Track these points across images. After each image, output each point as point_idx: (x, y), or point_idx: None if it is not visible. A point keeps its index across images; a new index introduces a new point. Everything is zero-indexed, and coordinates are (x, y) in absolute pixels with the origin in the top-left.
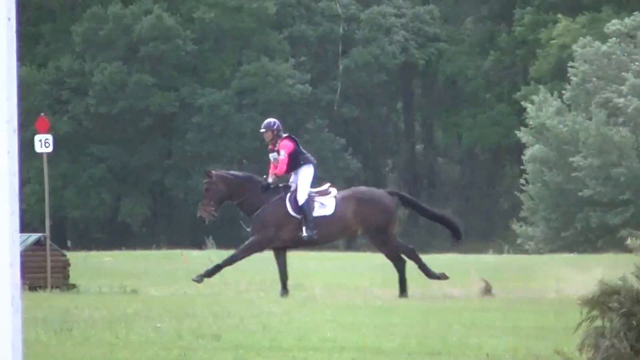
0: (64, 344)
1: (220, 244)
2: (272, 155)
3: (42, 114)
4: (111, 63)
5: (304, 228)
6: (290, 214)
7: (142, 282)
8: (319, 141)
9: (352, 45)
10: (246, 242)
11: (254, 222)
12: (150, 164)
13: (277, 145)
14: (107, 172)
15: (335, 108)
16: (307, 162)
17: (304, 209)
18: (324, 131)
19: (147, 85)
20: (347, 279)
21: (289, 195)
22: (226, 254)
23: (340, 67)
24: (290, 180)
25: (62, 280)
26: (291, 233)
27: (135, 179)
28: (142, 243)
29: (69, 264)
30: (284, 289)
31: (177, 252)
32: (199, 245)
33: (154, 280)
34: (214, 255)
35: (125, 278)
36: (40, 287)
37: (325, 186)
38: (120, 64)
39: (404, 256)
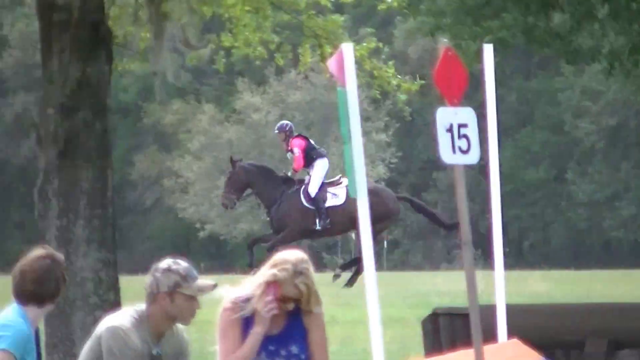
0: None
1: None
2: (289, 155)
3: None
4: None
5: (317, 219)
6: (305, 205)
7: None
8: None
9: None
10: (276, 237)
11: (273, 215)
12: None
13: (289, 144)
14: None
15: None
16: (319, 156)
17: (316, 200)
18: None
19: None
20: None
21: (302, 187)
22: None
23: None
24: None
25: None
26: (306, 224)
27: None
28: None
29: None
30: None
31: None
32: None
33: None
34: None
35: None
36: None
37: (337, 177)
38: None
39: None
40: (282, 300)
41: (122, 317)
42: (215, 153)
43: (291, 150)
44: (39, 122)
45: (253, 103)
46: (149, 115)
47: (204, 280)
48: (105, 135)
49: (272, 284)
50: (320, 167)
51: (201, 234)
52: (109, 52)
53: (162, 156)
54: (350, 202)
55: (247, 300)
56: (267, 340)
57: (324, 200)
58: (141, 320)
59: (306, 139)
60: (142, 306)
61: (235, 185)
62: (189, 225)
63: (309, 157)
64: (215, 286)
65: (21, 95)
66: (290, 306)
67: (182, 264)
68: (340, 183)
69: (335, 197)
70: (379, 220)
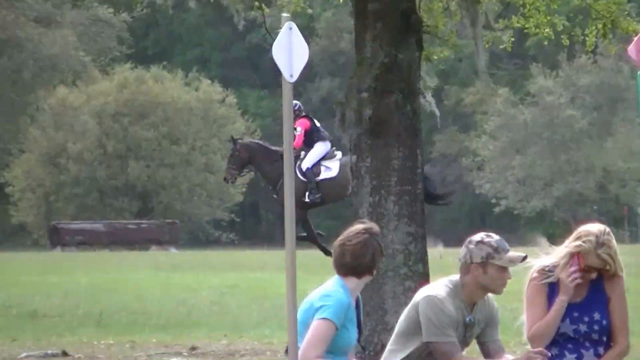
0: None
1: None
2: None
3: None
4: None
5: (306, 193)
6: (299, 178)
7: None
8: None
9: None
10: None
11: (279, 195)
12: None
13: (294, 123)
14: None
15: None
16: (321, 139)
17: (307, 174)
18: None
19: None
20: None
21: (297, 163)
22: None
23: None
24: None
25: None
26: (299, 197)
27: None
28: None
29: None
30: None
31: None
32: None
33: None
34: None
35: None
36: None
37: (331, 151)
38: None
39: None
40: (585, 270)
41: (437, 287)
42: (511, 133)
43: (295, 129)
44: (344, 104)
45: (546, 86)
46: (449, 98)
47: (514, 252)
48: (415, 117)
49: (576, 254)
50: (319, 148)
51: (496, 209)
52: (419, 40)
53: (460, 136)
54: (342, 174)
55: (552, 269)
56: (571, 308)
57: (317, 174)
58: (455, 290)
59: (311, 120)
60: (456, 277)
61: (237, 162)
62: (484, 200)
63: (310, 138)
64: (525, 258)
65: (327, 80)
66: (593, 275)
67: (494, 237)
68: (335, 156)
69: (328, 170)
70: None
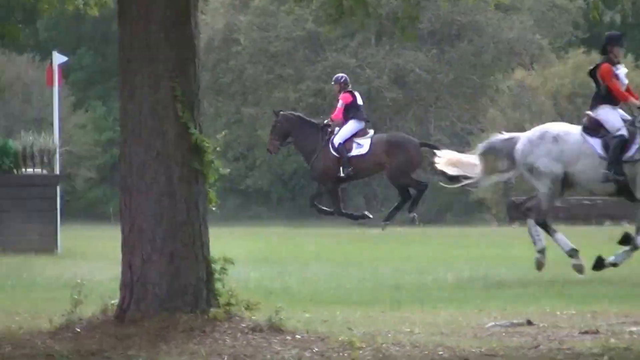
0: None
1: None
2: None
3: None
4: None
5: (340, 168)
6: (333, 154)
7: None
8: None
9: None
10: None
11: (313, 167)
12: None
13: (338, 95)
14: None
15: None
16: (356, 117)
17: (339, 150)
18: None
19: None
20: None
21: (330, 138)
22: None
23: None
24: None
25: None
26: (333, 172)
27: None
28: None
29: None
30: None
31: None
32: None
33: None
34: None
35: None
36: None
37: (364, 129)
38: None
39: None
40: None
41: None
42: None
43: (337, 100)
44: None
45: None
46: None
47: None
48: None
49: None
50: (351, 125)
51: None
52: None
53: None
54: (372, 151)
55: None
56: None
57: (349, 150)
58: None
59: (354, 96)
60: None
61: (279, 133)
62: None
63: (348, 113)
64: None
65: None
66: None
67: None
68: (367, 134)
69: (359, 147)
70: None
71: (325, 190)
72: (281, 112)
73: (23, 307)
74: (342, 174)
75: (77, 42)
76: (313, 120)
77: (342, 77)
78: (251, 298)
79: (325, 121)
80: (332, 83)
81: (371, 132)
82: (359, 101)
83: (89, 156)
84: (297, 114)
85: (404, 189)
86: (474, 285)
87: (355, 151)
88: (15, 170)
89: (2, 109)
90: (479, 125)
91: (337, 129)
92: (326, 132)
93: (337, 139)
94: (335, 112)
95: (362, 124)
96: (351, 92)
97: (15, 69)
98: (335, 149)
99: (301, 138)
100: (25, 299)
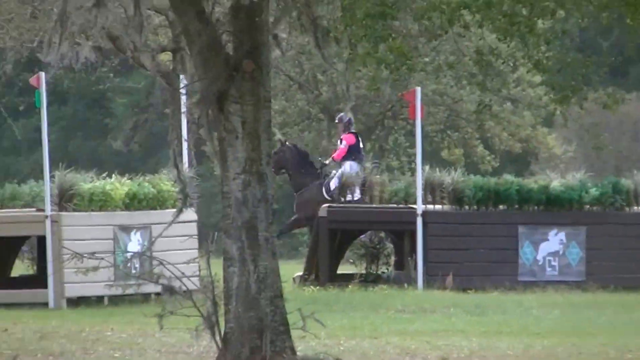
0: None
1: None
2: (338, 143)
3: None
4: None
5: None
6: (325, 197)
7: None
8: None
9: None
10: (291, 219)
11: (297, 200)
12: None
13: (341, 135)
14: None
15: None
16: (356, 159)
17: (333, 196)
18: None
19: None
20: None
21: (326, 181)
22: None
23: None
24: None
25: None
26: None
27: None
28: None
29: None
30: None
31: None
32: None
33: None
34: None
35: None
36: None
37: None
38: None
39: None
40: None
41: None
42: None
43: (340, 141)
44: None
45: None
46: None
47: None
48: None
49: None
50: (348, 168)
51: None
52: None
53: None
54: (364, 198)
55: None
56: None
57: (343, 196)
58: None
59: (357, 138)
60: None
61: (277, 162)
62: None
63: (348, 155)
64: None
65: None
66: None
67: None
68: (361, 179)
69: (353, 193)
70: None
71: (296, 224)
72: (287, 143)
73: None
74: None
75: None
76: (314, 161)
77: (347, 117)
78: None
79: (327, 161)
80: (336, 122)
81: (364, 176)
82: (361, 143)
83: None
84: (302, 149)
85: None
86: None
87: (348, 197)
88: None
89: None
90: None
91: (333, 172)
92: (322, 174)
93: (333, 184)
94: (338, 153)
95: (359, 168)
96: (355, 134)
97: (624, 107)
98: (330, 194)
99: (297, 174)
100: None
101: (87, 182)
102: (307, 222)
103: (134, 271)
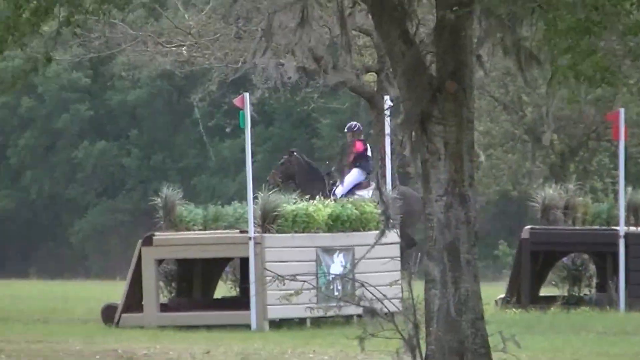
0: None
1: None
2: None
3: None
4: None
5: None
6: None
7: None
8: None
9: None
10: None
11: None
12: None
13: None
14: None
15: None
16: (362, 167)
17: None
18: None
19: None
20: None
21: (333, 189)
22: None
23: None
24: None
25: None
26: None
27: None
28: None
29: None
30: None
31: None
32: None
33: None
34: None
35: None
36: None
37: (366, 181)
38: None
39: None
40: None
41: None
42: None
43: (349, 148)
44: None
45: None
46: None
47: None
48: None
49: None
50: (354, 175)
51: None
52: None
53: None
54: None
55: None
56: None
57: None
58: None
59: (366, 146)
60: None
61: (284, 172)
62: None
63: (356, 160)
64: None
65: None
66: None
67: None
68: (369, 186)
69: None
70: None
71: None
72: (294, 154)
73: None
74: None
75: None
76: (320, 171)
77: (355, 125)
78: None
79: (333, 168)
80: (345, 131)
81: (373, 184)
82: (369, 152)
83: None
84: (307, 159)
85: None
86: None
87: None
88: None
89: None
90: None
91: (338, 180)
92: (329, 182)
93: (340, 191)
94: (347, 159)
95: (365, 175)
96: (364, 141)
97: None
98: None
99: (304, 184)
100: None
101: (290, 204)
102: None
103: (336, 293)
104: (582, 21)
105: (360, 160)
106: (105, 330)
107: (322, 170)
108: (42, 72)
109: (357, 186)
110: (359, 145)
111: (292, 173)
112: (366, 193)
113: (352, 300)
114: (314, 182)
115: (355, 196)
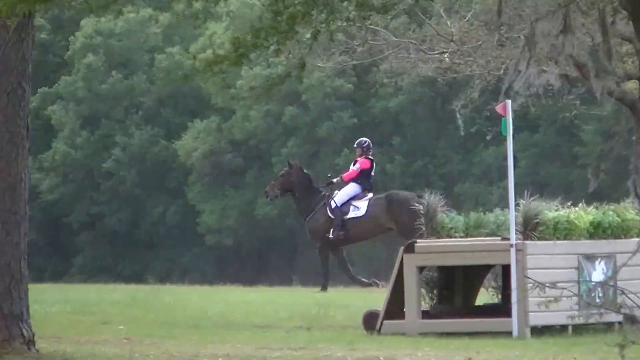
0: None
1: None
2: (352, 165)
3: None
4: None
5: (331, 229)
6: (330, 216)
7: None
8: None
9: None
10: (320, 255)
11: (308, 226)
12: None
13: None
14: None
15: None
16: (361, 183)
17: (335, 212)
18: None
19: None
20: None
21: (329, 200)
22: None
23: None
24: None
25: None
26: (324, 233)
27: None
28: None
29: None
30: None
31: None
32: None
33: None
34: None
35: None
36: None
37: (362, 193)
38: None
39: None
40: None
41: None
42: None
43: (354, 163)
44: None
45: None
46: None
47: None
48: None
49: None
50: (350, 188)
51: None
52: None
53: None
54: (370, 212)
55: None
56: None
57: (345, 213)
58: None
59: (371, 164)
60: None
61: (283, 184)
62: None
63: (358, 177)
64: None
65: None
66: None
67: None
68: (365, 197)
69: (356, 210)
70: None
71: (318, 250)
72: (295, 166)
73: None
74: (331, 236)
75: None
76: (318, 187)
77: (365, 141)
78: None
79: (335, 179)
80: (355, 146)
81: (370, 195)
82: (373, 171)
83: None
84: (307, 172)
85: None
86: None
87: (352, 214)
88: None
89: None
90: None
91: (336, 191)
92: (325, 195)
93: (335, 202)
94: (349, 173)
95: (360, 188)
96: (371, 160)
97: None
98: (332, 210)
99: (302, 196)
100: None
101: (552, 211)
102: (323, 245)
103: (597, 300)
104: None
105: (362, 177)
106: (366, 337)
107: (323, 181)
108: (297, 79)
109: (354, 197)
110: (365, 163)
111: (292, 185)
112: (362, 204)
113: (613, 307)
114: (311, 195)
115: (351, 207)
